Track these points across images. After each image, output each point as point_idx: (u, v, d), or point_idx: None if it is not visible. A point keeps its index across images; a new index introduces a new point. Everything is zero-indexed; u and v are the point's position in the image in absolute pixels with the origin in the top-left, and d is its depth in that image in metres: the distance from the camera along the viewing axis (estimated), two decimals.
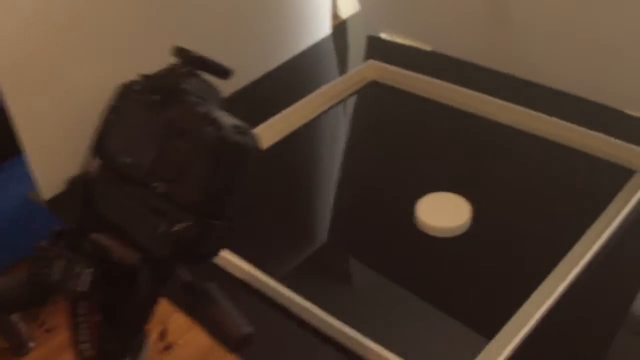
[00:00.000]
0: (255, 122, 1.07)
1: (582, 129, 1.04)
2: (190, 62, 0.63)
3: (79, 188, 0.65)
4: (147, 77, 0.65)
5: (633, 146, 1.00)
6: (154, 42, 0.94)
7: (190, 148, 0.59)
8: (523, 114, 1.08)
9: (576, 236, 0.89)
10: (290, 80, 1.28)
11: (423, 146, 1.11)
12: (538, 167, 1.04)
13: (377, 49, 1.35)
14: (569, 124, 1.05)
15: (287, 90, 1.24)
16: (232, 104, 0.93)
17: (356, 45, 1.41)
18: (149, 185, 0.61)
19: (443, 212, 0.94)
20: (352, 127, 1.21)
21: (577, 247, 0.87)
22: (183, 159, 0.60)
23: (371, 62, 1.25)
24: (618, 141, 1.01)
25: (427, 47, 1.31)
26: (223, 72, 0.64)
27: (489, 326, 0.79)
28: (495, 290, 0.86)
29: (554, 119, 1.06)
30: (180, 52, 0.64)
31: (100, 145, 0.65)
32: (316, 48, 1.36)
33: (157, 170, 0.61)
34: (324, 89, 1.19)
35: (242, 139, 0.60)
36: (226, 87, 0.66)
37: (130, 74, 0.66)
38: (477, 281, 0.87)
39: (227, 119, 0.60)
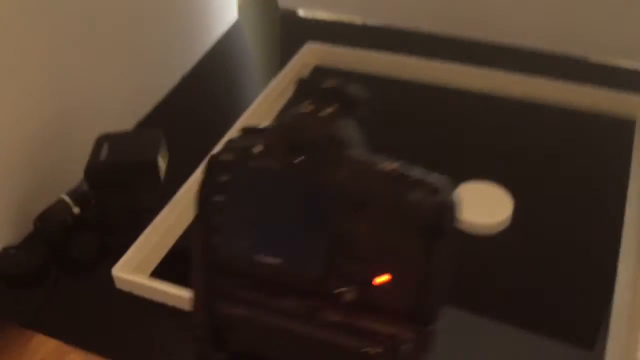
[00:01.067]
0: (206, 142, 0.92)
1: (569, 85, 0.97)
2: (329, 97, 0.47)
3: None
4: (267, 131, 0.48)
5: (628, 95, 0.95)
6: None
7: (390, 225, 0.43)
8: (500, 78, 1.00)
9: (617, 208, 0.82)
10: (210, 82, 1.11)
11: (404, 129, 0.99)
12: (533, 134, 0.96)
13: (299, 27, 1.21)
14: (552, 82, 0.97)
15: (216, 95, 1.08)
16: (156, 123, 0.76)
17: (270, 26, 1.26)
18: (324, 293, 0.44)
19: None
20: None
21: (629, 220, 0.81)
22: (381, 242, 0.44)
23: (309, 45, 1.10)
24: (611, 92, 0.95)
25: (356, 20, 1.18)
26: (363, 102, 0.49)
27: (580, 334, 0.70)
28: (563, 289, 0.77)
29: (533, 78, 0.98)
30: (312, 83, 0.47)
31: (211, 249, 0.48)
32: (229, 36, 1.19)
33: (334, 268, 0.44)
34: (271, 87, 1.03)
35: (454, 202, 0.45)
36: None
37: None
38: (536, 281, 0.78)
39: (428, 176, 0.45)
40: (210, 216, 0.47)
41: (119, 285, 0.77)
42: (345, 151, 0.45)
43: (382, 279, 0.44)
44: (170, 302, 0.74)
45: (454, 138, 0.96)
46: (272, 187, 0.46)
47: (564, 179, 0.88)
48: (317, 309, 0.45)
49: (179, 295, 0.73)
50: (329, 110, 0.46)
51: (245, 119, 0.97)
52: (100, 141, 0.82)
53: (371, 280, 0.44)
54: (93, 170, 0.79)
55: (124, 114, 0.99)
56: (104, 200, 0.81)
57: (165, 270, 0.79)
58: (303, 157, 0.46)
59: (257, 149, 0.47)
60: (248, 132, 0.49)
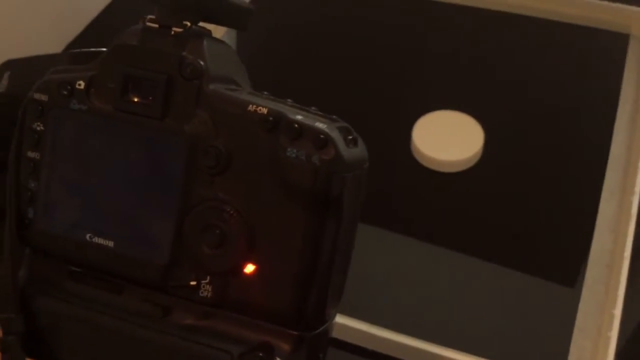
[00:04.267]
0: None
1: None
2: (189, 8, 0.35)
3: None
4: (97, 57, 0.36)
5: (621, 5, 0.82)
6: None
7: (261, 193, 0.33)
8: None
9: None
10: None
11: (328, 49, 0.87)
12: (510, 51, 0.84)
13: None
14: None
15: None
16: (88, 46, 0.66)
17: None
18: (172, 288, 0.35)
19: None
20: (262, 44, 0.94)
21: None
22: (248, 218, 0.33)
23: None
24: (603, 2, 0.82)
25: None
26: (243, 16, 0.37)
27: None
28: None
29: None
30: None
31: (24, 222, 0.37)
32: None
33: (185, 254, 0.34)
34: None
35: (360, 154, 0.34)
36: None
37: None
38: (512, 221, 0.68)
39: (317, 122, 0.33)
40: (23, 179, 0.37)
41: None
42: (205, 86, 0.34)
43: (250, 268, 0.33)
44: None
45: (411, 58, 0.84)
46: (102, 140, 0.35)
47: (545, 104, 0.76)
48: (163, 309, 0.35)
49: None
50: (184, 25, 0.34)
51: None
52: (3, 68, 0.71)
53: (236, 270, 0.33)
54: None
55: (46, 35, 0.88)
56: (5, 139, 0.70)
57: None
58: (142, 95, 0.34)
59: (80, 84, 0.35)
60: (76, 58, 0.37)
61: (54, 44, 0.89)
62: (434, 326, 0.59)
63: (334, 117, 0.34)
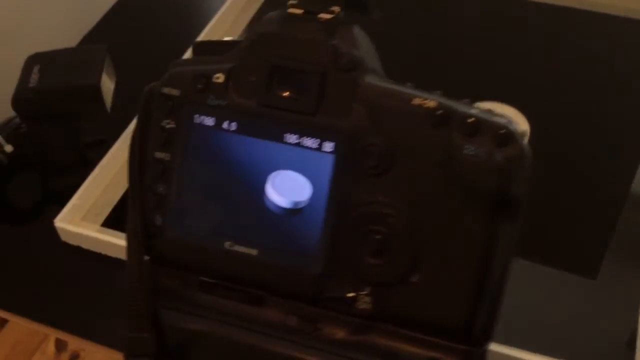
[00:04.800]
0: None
1: None
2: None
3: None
4: (234, 48, 0.32)
5: None
6: None
7: (432, 194, 0.30)
8: None
9: None
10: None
11: (394, 43, 0.84)
12: (554, 44, 0.82)
13: None
14: None
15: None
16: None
17: None
18: (325, 300, 0.31)
19: None
20: None
21: None
22: (414, 222, 0.30)
23: None
24: None
25: None
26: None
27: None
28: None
29: None
30: None
31: (156, 231, 0.33)
32: None
33: (341, 263, 0.31)
34: None
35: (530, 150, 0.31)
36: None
37: None
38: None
39: (493, 116, 0.30)
40: (149, 183, 0.32)
41: (64, 238, 0.65)
42: (361, 78, 0.30)
43: (416, 277, 0.30)
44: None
45: (457, 52, 0.81)
46: (243, 139, 0.31)
47: (590, 99, 0.75)
48: (314, 323, 0.32)
49: None
50: (332, 11, 0.31)
51: (212, 30, 0.81)
52: (29, 63, 0.67)
53: (397, 280, 0.30)
54: (22, 98, 0.64)
55: (63, 28, 0.83)
56: (39, 134, 0.66)
57: (119, 218, 0.65)
58: (292, 89, 0.31)
59: (219, 77, 0.32)
60: (204, 49, 0.34)
61: (70, 36, 0.85)
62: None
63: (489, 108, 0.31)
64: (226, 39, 0.34)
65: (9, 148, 0.69)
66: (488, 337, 0.30)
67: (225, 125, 0.32)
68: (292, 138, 0.31)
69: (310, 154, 0.31)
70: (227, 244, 0.32)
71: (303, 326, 0.32)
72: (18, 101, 0.65)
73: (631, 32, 0.81)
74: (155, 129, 0.32)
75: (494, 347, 0.49)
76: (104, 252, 0.64)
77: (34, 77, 0.65)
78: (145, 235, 0.33)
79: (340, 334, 0.31)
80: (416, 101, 0.30)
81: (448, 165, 0.29)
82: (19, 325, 0.61)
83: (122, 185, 0.69)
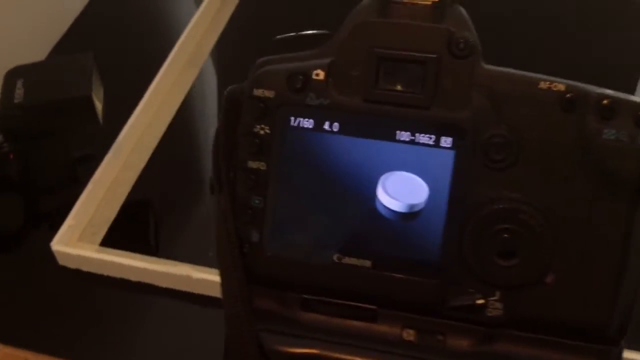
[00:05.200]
0: (145, 63, 0.74)
1: None
2: None
3: None
4: (328, 41, 0.29)
5: None
6: None
7: (567, 185, 0.27)
8: None
9: None
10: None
11: None
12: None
13: None
14: None
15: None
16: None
17: None
18: (448, 309, 0.29)
19: None
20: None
21: None
22: (547, 219, 0.28)
23: None
24: None
25: None
26: None
27: None
28: None
29: None
30: None
31: (251, 248, 0.30)
32: None
33: (465, 268, 0.28)
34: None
35: None
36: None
37: None
38: None
39: (628, 97, 0.28)
40: (242, 195, 0.29)
41: (62, 261, 0.61)
42: (478, 64, 0.28)
43: (551, 277, 0.28)
44: (133, 277, 0.58)
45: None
46: (350, 140, 0.29)
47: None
48: (434, 335, 0.29)
49: (142, 266, 0.58)
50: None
51: (193, 30, 0.77)
52: (10, 77, 0.62)
53: (532, 282, 0.28)
54: (8, 116, 0.59)
55: (32, 40, 0.78)
56: (26, 153, 0.62)
57: (119, 236, 0.62)
58: (403, 82, 0.28)
59: (318, 73, 0.29)
60: (287, 45, 0.30)
61: (39, 49, 0.80)
62: None
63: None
64: (307, 32, 0.30)
65: None
66: (623, 335, 0.28)
67: (326, 126, 0.29)
68: (404, 135, 0.28)
69: (426, 151, 0.28)
70: (335, 257, 0.29)
71: (423, 340, 0.29)
72: (3, 119, 0.60)
73: None
74: (246, 136, 0.29)
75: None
76: (105, 273, 0.60)
77: (19, 92, 0.60)
78: (241, 253, 0.29)
79: (465, 344, 0.29)
80: (543, 85, 0.27)
81: (584, 152, 0.27)
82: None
83: (116, 200, 0.66)
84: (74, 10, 0.85)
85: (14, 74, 0.63)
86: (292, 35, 0.31)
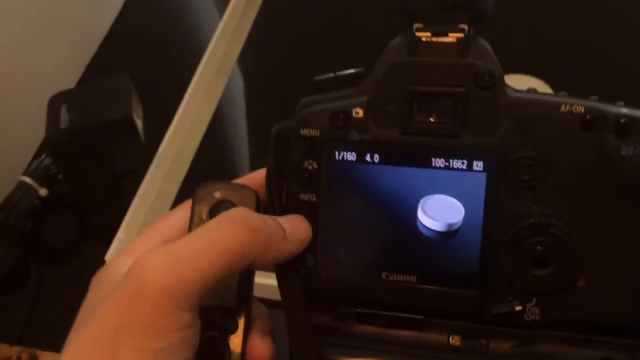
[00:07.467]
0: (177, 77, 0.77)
1: None
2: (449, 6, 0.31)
3: None
4: (363, 80, 0.32)
5: None
6: None
7: (593, 198, 0.31)
8: None
9: None
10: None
11: None
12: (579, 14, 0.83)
13: None
14: None
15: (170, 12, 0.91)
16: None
17: None
18: (488, 315, 0.32)
19: None
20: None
21: None
22: (576, 227, 0.31)
23: None
24: None
25: None
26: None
27: None
28: None
29: None
30: None
31: (307, 271, 0.33)
32: None
33: (504, 276, 0.32)
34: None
35: None
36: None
37: None
38: None
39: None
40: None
41: None
42: (502, 92, 0.31)
43: (583, 282, 0.31)
44: None
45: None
46: (390, 169, 0.32)
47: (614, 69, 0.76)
48: (478, 340, 0.33)
49: None
50: (461, 29, 0.31)
51: (219, 40, 0.80)
52: (55, 103, 0.65)
53: (565, 287, 0.31)
54: (56, 141, 0.63)
55: (64, 63, 0.81)
56: (74, 173, 0.66)
57: None
58: (435, 114, 0.31)
59: (358, 111, 0.32)
60: (325, 85, 0.34)
61: (72, 69, 0.83)
62: None
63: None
64: (344, 72, 0.33)
65: (43, 192, 0.68)
66: None
67: (368, 158, 0.32)
68: (439, 162, 0.31)
69: (460, 175, 0.31)
70: (383, 275, 0.32)
71: (468, 344, 0.32)
72: (52, 144, 0.64)
73: None
74: (296, 172, 0.32)
75: None
76: None
77: (63, 117, 0.64)
78: (299, 276, 0.33)
79: (506, 347, 0.32)
80: (564, 108, 0.30)
81: (605, 168, 0.30)
82: None
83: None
84: (102, 28, 0.88)
85: (57, 101, 0.66)
86: (330, 77, 0.34)
